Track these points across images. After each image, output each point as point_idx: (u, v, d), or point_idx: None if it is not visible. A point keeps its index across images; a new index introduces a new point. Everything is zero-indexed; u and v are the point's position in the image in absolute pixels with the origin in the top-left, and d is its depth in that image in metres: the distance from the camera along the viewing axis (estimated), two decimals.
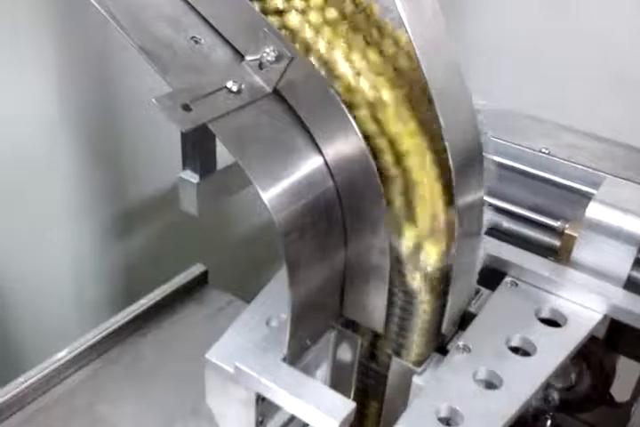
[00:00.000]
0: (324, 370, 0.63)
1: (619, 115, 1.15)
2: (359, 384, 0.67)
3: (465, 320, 0.64)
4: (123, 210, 1.05)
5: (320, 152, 0.52)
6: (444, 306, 0.58)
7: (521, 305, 0.67)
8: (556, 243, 0.73)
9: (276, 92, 0.52)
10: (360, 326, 0.61)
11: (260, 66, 0.52)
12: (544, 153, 0.75)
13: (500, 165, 0.75)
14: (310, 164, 0.52)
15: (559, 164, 0.75)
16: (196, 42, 0.52)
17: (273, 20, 0.52)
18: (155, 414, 0.77)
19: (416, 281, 0.55)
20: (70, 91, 0.89)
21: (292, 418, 0.61)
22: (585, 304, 0.67)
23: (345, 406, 0.53)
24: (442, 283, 0.57)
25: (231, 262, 1.17)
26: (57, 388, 0.80)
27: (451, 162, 0.50)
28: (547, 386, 0.69)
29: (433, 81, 0.48)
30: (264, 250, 1.04)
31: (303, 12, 0.51)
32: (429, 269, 0.55)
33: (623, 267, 0.67)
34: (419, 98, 0.52)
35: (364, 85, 0.51)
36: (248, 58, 0.52)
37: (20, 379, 0.77)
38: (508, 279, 0.70)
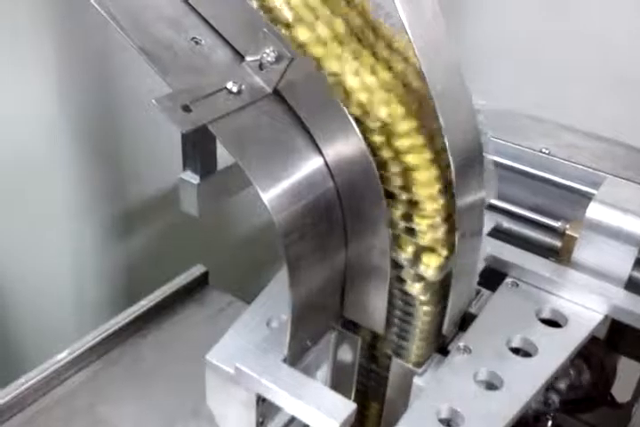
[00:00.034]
0: (324, 371, 0.63)
1: (618, 115, 1.15)
2: (360, 385, 0.67)
3: (465, 321, 0.64)
4: (123, 210, 1.05)
5: (320, 153, 0.52)
6: (444, 308, 0.58)
7: (522, 306, 0.67)
8: (557, 243, 0.73)
9: (276, 92, 0.52)
10: (360, 326, 0.61)
11: (261, 66, 0.52)
12: (544, 153, 0.75)
13: (500, 166, 0.75)
14: (310, 164, 0.52)
15: (559, 164, 0.75)
16: (197, 43, 0.52)
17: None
18: (155, 415, 0.77)
19: (415, 288, 0.55)
20: (70, 91, 0.89)
21: (293, 419, 0.61)
22: (586, 305, 0.67)
23: (345, 407, 0.53)
24: (442, 285, 0.57)
25: (232, 263, 1.17)
26: (57, 389, 0.79)
27: (451, 162, 0.50)
28: (547, 388, 0.69)
29: (433, 82, 0.48)
30: (264, 251, 1.04)
31: (312, 27, 0.51)
32: (429, 279, 0.55)
33: (624, 267, 0.67)
34: (428, 113, 0.52)
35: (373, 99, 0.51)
36: (248, 58, 0.52)
37: (21, 380, 0.77)
38: (508, 280, 0.70)
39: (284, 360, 0.56)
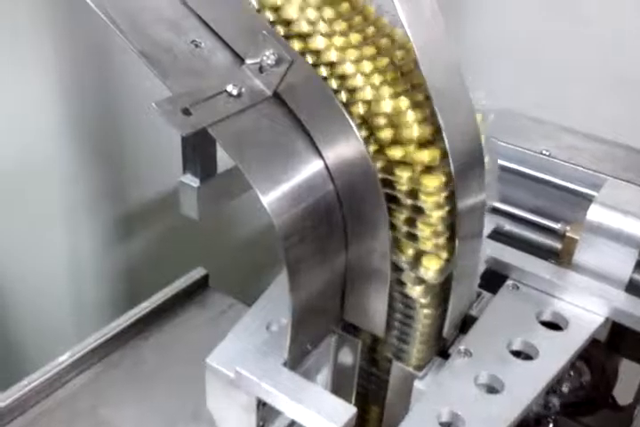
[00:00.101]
0: (324, 374, 0.63)
1: (619, 115, 1.15)
2: (360, 389, 0.66)
3: (466, 324, 0.64)
4: (124, 212, 1.05)
5: (320, 155, 0.52)
6: (445, 310, 0.58)
7: (522, 308, 0.67)
8: (558, 246, 0.73)
9: (276, 95, 0.52)
10: (361, 330, 0.61)
11: (261, 69, 0.52)
12: (544, 155, 0.75)
13: (501, 167, 0.74)
14: (310, 167, 0.52)
15: (560, 165, 0.75)
16: (197, 46, 0.52)
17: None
18: (156, 418, 0.77)
19: (416, 291, 0.55)
20: (70, 91, 0.89)
21: (293, 423, 0.61)
22: (587, 307, 0.67)
23: (346, 410, 0.53)
24: (443, 288, 0.57)
25: (232, 266, 1.17)
26: (59, 391, 0.80)
27: (451, 163, 0.49)
28: (548, 391, 0.69)
29: (432, 81, 0.48)
30: (265, 253, 1.04)
31: (329, 36, 0.51)
32: (429, 282, 0.54)
33: (625, 269, 0.67)
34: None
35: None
36: (248, 61, 0.52)
37: (23, 382, 0.77)
38: (509, 282, 0.69)
39: (285, 364, 0.56)
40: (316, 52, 0.51)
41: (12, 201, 0.90)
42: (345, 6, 0.54)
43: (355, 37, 0.52)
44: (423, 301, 0.56)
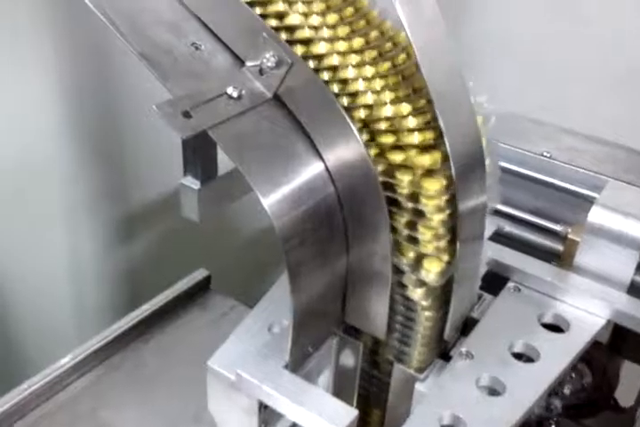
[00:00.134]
0: (326, 376, 0.63)
1: (619, 115, 1.15)
2: (361, 391, 0.66)
3: (467, 326, 0.64)
4: (125, 213, 1.05)
5: (321, 158, 0.52)
6: (446, 313, 0.58)
7: (524, 311, 0.66)
8: (559, 247, 0.73)
9: (276, 97, 0.52)
10: (362, 332, 0.61)
11: (261, 71, 0.52)
12: (545, 156, 0.75)
13: (502, 169, 0.74)
14: (311, 169, 0.52)
15: (560, 167, 0.75)
16: (197, 48, 0.52)
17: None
18: (157, 421, 0.77)
19: (417, 294, 0.55)
20: (71, 91, 0.89)
21: (295, 426, 0.61)
22: (588, 309, 0.67)
23: (347, 413, 0.53)
24: (444, 290, 0.57)
25: (234, 267, 1.17)
26: (60, 394, 0.80)
27: (452, 165, 0.49)
28: (550, 393, 0.69)
29: (433, 83, 0.48)
30: (267, 254, 1.04)
31: (331, 41, 0.51)
32: (430, 284, 0.54)
33: (626, 272, 0.67)
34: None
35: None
36: (248, 64, 0.52)
37: (24, 386, 0.77)
38: (510, 284, 0.69)
39: (286, 366, 0.56)
40: (318, 57, 0.51)
41: (13, 201, 0.90)
42: (349, 11, 0.54)
43: (357, 42, 0.52)
44: (424, 303, 0.56)
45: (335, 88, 0.51)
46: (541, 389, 0.59)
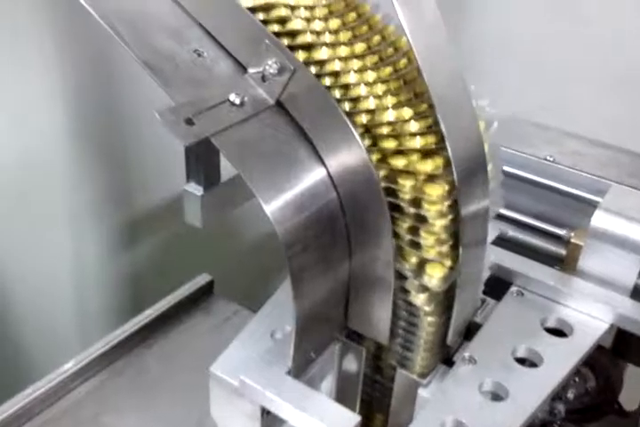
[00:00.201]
0: (329, 382, 0.63)
1: (623, 116, 1.15)
2: (364, 397, 0.66)
3: (470, 331, 0.64)
4: (128, 218, 1.05)
5: (323, 164, 0.52)
6: (449, 318, 0.58)
7: (527, 315, 0.66)
8: (562, 252, 0.73)
9: (278, 104, 0.52)
10: (365, 337, 0.61)
11: (263, 78, 0.52)
12: (548, 160, 0.75)
13: (504, 173, 0.74)
14: (313, 175, 0.52)
15: (564, 171, 0.74)
16: (199, 55, 0.52)
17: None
18: (160, 426, 0.77)
19: (420, 299, 0.55)
20: (72, 91, 0.89)
21: None
22: (591, 314, 0.67)
23: (350, 419, 0.53)
24: (447, 295, 0.57)
25: (237, 272, 1.17)
26: (63, 399, 0.80)
27: (454, 170, 0.49)
28: (553, 397, 0.69)
29: (434, 86, 0.48)
30: (270, 259, 1.03)
31: (333, 46, 0.51)
32: (433, 289, 0.54)
33: (629, 276, 0.67)
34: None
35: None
36: (251, 70, 0.52)
37: (28, 391, 0.77)
38: (513, 289, 0.69)
39: (289, 372, 0.56)
40: (320, 62, 0.51)
41: (16, 204, 0.90)
42: (352, 16, 0.54)
43: (359, 47, 0.52)
44: (427, 308, 0.56)
45: (337, 93, 0.51)
46: (544, 394, 0.59)
